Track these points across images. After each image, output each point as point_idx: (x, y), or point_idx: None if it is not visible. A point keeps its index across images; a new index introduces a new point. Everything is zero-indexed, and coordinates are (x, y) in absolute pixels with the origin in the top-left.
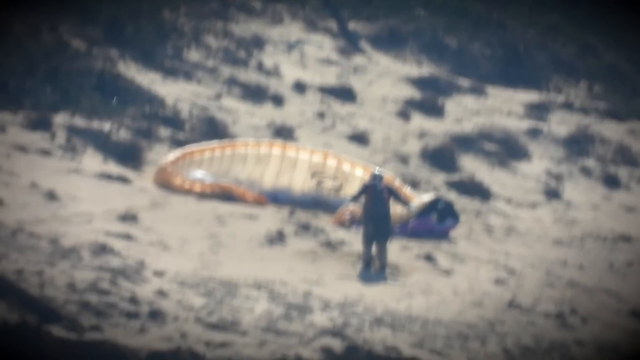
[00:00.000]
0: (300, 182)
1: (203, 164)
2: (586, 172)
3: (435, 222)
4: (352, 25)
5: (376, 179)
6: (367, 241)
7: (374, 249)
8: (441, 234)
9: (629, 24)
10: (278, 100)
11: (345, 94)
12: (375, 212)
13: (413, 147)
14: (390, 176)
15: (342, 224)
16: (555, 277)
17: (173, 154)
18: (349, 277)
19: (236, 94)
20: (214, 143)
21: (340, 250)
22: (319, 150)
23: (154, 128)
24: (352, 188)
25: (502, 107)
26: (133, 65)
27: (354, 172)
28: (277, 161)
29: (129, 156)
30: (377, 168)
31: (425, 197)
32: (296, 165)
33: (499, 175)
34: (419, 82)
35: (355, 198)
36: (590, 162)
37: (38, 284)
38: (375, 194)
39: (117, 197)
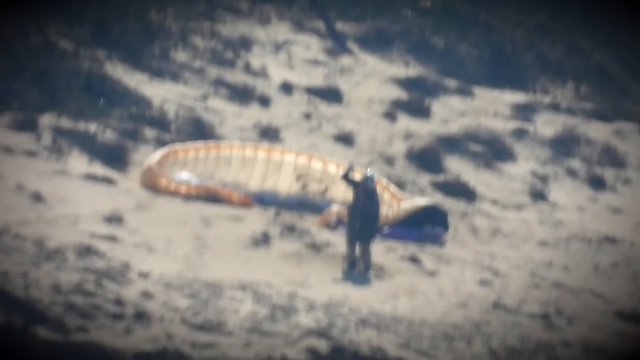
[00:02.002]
0: (285, 185)
1: (188, 164)
2: (572, 173)
3: (427, 226)
4: (339, 26)
5: (368, 181)
6: (351, 241)
7: (357, 249)
8: (429, 239)
9: (616, 25)
10: (265, 101)
11: (331, 94)
12: (364, 211)
13: (399, 148)
14: (379, 177)
15: (328, 225)
16: (540, 278)
17: (158, 153)
18: (334, 278)
19: (223, 94)
20: (200, 144)
21: (326, 252)
22: (304, 152)
23: (140, 129)
24: (337, 190)
25: (489, 108)
26: (120, 66)
27: (339, 174)
28: (262, 164)
29: (115, 157)
30: (370, 170)
31: (421, 201)
32: (281, 168)
33: (484, 176)
34: (406, 83)
35: (345, 177)
36: (576, 163)
37: (23, 285)
38: (367, 193)
39: (102, 199)
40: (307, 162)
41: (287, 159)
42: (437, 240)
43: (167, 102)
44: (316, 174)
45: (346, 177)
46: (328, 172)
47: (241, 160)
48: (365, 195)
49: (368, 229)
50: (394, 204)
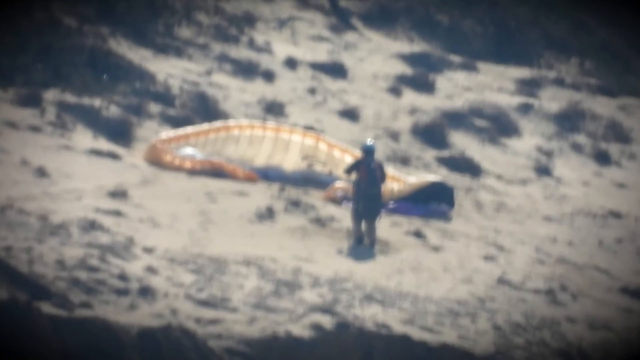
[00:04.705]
0: (291, 163)
1: (197, 146)
2: (577, 148)
3: (433, 203)
4: (344, 2)
5: (368, 151)
6: (357, 218)
7: (363, 225)
8: (434, 215)
9: (621, 1)
10: (269, 77)
11: (336, 70)
12: (367, 191)
13: (404, 123)
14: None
15: (333, 200)
16: (545, 254)
17: (166, 134)
18: (339, 254)
19: (227, 70)
20: (208, 125)
21: (330, 227)
22: (312, 134)
23: (144, 104)
24: (341, 172)
25: (493, 84)
26: (124, 42)
27: (343, 157)
28: (270, 142)
29: (120, 133)
30: (370, 139)
31: (428, 178)
32: (288, 147)
33: (489, 151)
34: (410, 59)
35: (348, 171)
36: (581, 139)
37: (27, 260)
38: (369, 173)
39: (107, 174)
40: (314, 144)
41: (294, 139)
42: (443, 216)
43: (172, 78)
44: (321, 156)
45: (349, 171)
46: (333, 155)
47: (249, 139)
48: (366, 175)
49: (372, 208)
50: (396, 184)
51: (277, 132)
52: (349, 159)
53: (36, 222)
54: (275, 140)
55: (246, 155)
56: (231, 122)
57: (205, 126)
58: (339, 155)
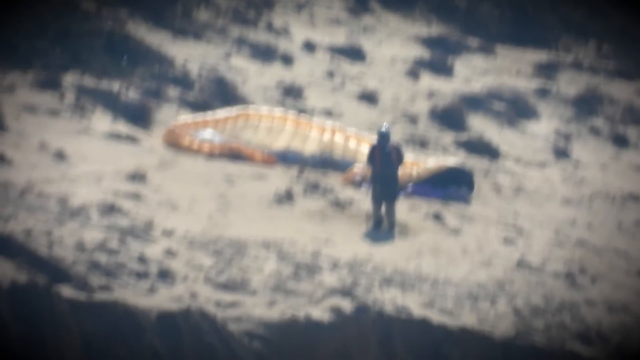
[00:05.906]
0: (309, 148)
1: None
2: (595, 131)
3: (452, 187)
4: None
5: (383, 137)
6: (376, 201)
7: (382, 208)
8: (452, 197)
9: None
10: (287, 60)
11: (354, 53)
12: (383, 174)
13: (422, 106)
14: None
15: (351, 183)
16: (564, 237)
17: (185, 119)
18: (358, 237)
19: (245, 53)
20: (227, 111)
21: (349, 210)
22: (329, 128)
23: (163, 88)
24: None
25: (511, 67)
26: (142, 26)
27: (360, 148)
28: (288, 135)
29: (138, 116)
30: (385, 124)
31: (447, 161)
32: (306, 141)
33: (507, 134)
34: (428, 42)
35: (369, 160)
36: (599, 122)
37: (47, 243)
38: (383, 156)
39: (126, 157)
40: (331, 137)
41: (312, 135)
42: (462, 200)
43: (190, 61)
44: (338, 147)
45: (369, 160)
46: (348, 146)
47: (267, 129)
48: (381, 158)
49: (389, 190)
50: (415, 167)
51: (297, 125)
52: (365, 149)
53: (55, 205)
54: (295, 133)
55: (265, 141)
56: (250, 110)
57: (224, 113)
58: (354, 146)
